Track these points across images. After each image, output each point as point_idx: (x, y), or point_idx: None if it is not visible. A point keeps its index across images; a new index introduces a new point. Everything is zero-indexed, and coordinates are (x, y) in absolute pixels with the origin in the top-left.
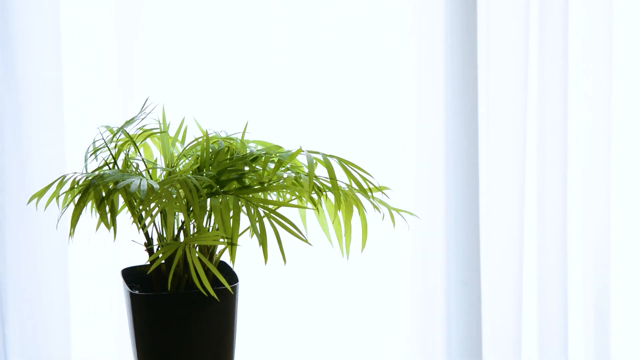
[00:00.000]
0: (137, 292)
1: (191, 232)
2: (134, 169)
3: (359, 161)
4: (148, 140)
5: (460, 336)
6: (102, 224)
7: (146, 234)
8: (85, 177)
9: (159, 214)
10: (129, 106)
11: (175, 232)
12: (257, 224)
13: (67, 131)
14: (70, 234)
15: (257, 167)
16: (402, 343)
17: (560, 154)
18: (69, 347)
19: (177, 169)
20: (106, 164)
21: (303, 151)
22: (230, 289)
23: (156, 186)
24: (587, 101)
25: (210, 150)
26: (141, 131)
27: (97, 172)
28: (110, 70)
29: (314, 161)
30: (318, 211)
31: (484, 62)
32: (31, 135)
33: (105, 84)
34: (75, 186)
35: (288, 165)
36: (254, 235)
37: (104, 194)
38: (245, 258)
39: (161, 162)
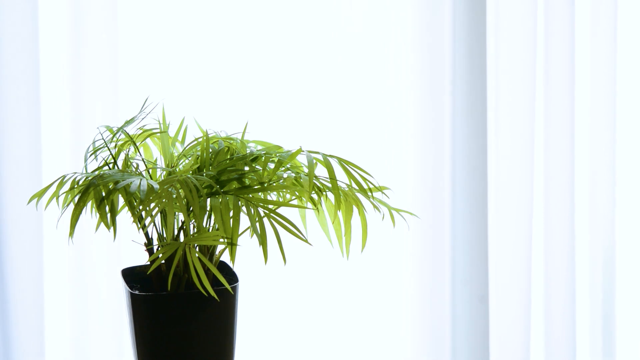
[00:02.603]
0: (137, 292)
1: (191, 232)
2: (134, 169)
3: (359, 161)
4: (148, 140)
5: (466, 336)
6: (102, 224)
7: (146, 234)
8: (85, 177)
9: (159, 214)
10: (129, 106)
11: (175, 232)
12: (257, 224)
13: (67, 131)
14: (70, 234)
15: (257, 167)
16: (405, 344)
17: (568, 153)
18: (67, 347)
19: (177, 169)
20: (106, 164)
21: (303, 151)
22: (230, 289)
23: (156, 186)
24: (593, 100)
25: (210, 150)
26: (141, 131)
27: (97, 172)
28: (111, 70)
29: (314, 161)
30: (318, 211)
31: (492, 60)
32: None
33: (106, 83)
34: (75, 186)
35: (288, 165)
36: (254, 235)
37: (104, 194)
38: (245, 258)
39: (161, 162)
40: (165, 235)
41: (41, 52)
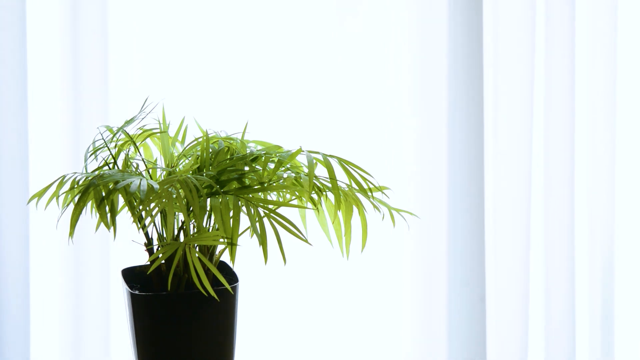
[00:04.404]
0: (137, 292)
1: (191, 232)
2: (134, 169)
3: (359, 161)
4: (148, 140)
5: (463, 337)
6: (102, 224)
7: (146, 234)
8: (85, 177)
9: (159, 214)
10: (129, 106)
11: (175, 232)
12: (257, 224)
13: (67, 131)
14: (70, 234)
15: (257, 167)
16: (403, 344)
17: (567, 152)
18: (66, 347)
19: (177, 169)
20: (106, 164)
21: (303, 151)
22: (230, 289)
23: (156, 186)
24: (593, 99)
25: (210, 150)
26: (141, 131)
27: (97, 172)
28: (110, 70)
29: (314, 161)
30: (318, 211)
31: (489, 59)
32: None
33: (105, 83)
34: (75, 186)
35: (288, 165)
36: (254, 235)
37: (104, 194)
38: (245, 258)
39: (161, 162)
40: (165, 235)
41: (39, 52)
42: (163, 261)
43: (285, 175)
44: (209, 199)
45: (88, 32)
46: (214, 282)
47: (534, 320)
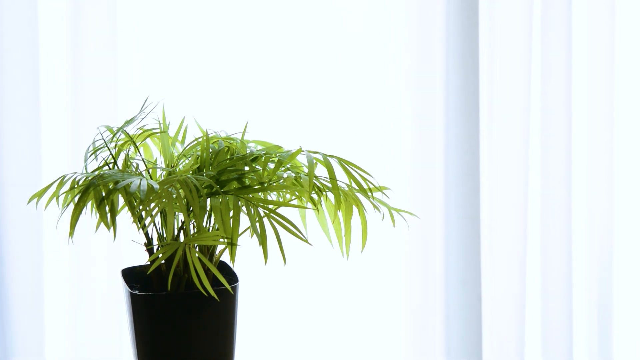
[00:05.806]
0: (137, 292)
1: (191, 232)
2: (134, 169)
3: (358, 161)
4: (148, 140)
5: (460, 336)
6: (102, 224)
7: (146, 234)
8: (85, 177)
9: (159, 214)
10: (129, 106)
11: (175, 232)
12: (257, 224)
13: (67, 131)
14: (70, 234)
15: (257, 167)
16: (401, 344)
17: (564, 152)
18: (67, 348)
19: (177, 169)
20: (106, 164)
21: (303, 151)
22: (230, 289)
23: (156, 186)
24: (590, 100)
25: (210, 150)
26: (141, 131)
27: (97, 172)
28: (110, 70)
29: (314, 161)
30: (318, 211)
31: (484, 61)
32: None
33: (105, 83)
34: (75, 186)
35: (288, 165)
36: (254, 235)
37: (104, 194)
38: (245, 258)
39: (161, 162)
40: (165, 235)
41: (41, 52)
42: (163, 261)
43: (285, 175)
44: (209, 199)
45: (88, 32)
46: (214, 282)
47: (530, 320)
